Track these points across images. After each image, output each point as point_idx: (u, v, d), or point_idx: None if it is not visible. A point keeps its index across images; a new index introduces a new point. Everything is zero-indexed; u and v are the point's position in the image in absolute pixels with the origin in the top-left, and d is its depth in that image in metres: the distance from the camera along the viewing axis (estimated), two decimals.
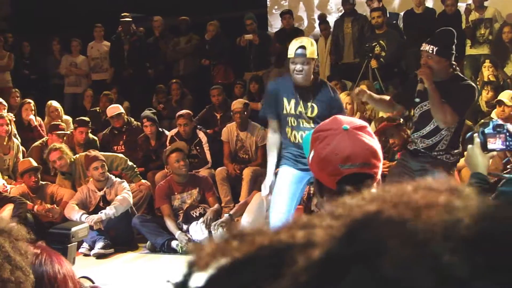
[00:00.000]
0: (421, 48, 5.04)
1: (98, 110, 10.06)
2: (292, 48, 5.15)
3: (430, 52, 4.94)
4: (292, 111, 5.23)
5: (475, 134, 2.81)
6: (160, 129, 8.90)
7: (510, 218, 0.54)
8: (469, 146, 2.76)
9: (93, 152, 7.59)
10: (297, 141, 5.20)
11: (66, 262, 2.01)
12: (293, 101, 5.23)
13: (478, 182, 2.55)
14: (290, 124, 5.24)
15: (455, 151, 5.24)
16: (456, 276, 0.50)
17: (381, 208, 0.57)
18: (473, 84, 5.33)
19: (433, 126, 5.16)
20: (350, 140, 1.96)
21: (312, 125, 5.01)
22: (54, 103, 9.66)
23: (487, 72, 8.61)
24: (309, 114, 5.21)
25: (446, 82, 4.99)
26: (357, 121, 2.07)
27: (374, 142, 2.00)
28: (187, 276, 0.63)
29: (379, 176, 2.02)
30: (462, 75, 5.30)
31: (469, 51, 9.55)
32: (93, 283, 2.39)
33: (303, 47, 5.11)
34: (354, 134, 1.97)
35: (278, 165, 5.38)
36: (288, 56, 5.21)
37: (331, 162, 1.95)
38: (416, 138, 5.28)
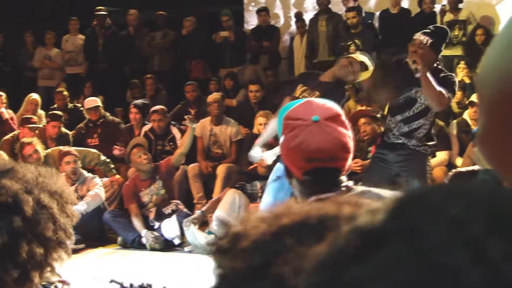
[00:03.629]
0: (415, 37, 5.18)
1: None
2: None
3: (424, 42, 5.07)
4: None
5: None
6: (146, 122, 8.87)
7: None
8: None
9: (67, 147, 7.53)
10: None
11: None
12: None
13: (489, 179, 2.43)
14: None
15: (431, 142, 5.35)
16: (491, 257, 0.51)
17: (426, 191, 0.59)
18: (453, 75, 5.50)
19: (416, 111, 5.29)
20: (319, 134, 1.93)
21: None
22: (35, 96, 9.59)
23: (461, 73, 8.70)
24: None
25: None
26: (330, 108, 2.01)
27: (345, 133, 1.97)
28: (232, 238, 0.65)
29: (346, 168, 2.00)
30: (443, 69, 5.45)
31: (443, 51, 9.58)
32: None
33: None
34: (324, 127, 1.94)
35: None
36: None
37: (297, 154, 1.94)
38: (394, 123, 5.36)
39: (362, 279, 0.52)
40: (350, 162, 2.00)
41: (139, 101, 9.00)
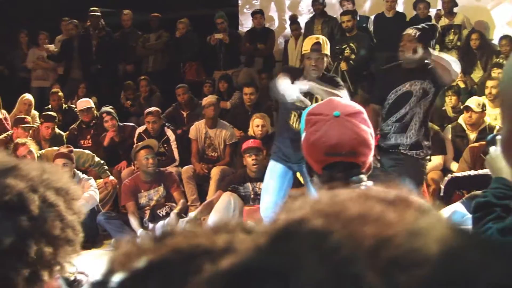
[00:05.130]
0: (404, 32, 5.33)
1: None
2: (308, 44, 5.44)
3: (413, 35, 5.20)
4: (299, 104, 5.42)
5: (498, 136, 2.46)
6: (120, 123, 8.83)
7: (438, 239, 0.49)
8: (492, 148, 2.40)
9: (65, 147, 7.47)
10: (298, 130, 5.33)
11: None
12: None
13: (501, 188, 2.28)
14: (298, 116, 5.36)
15: (426, 142, 5.39)
16: None
17: (307, 217, 0.52)
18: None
19: (408, 108, 5.40)
20: (339, 128, 1.95)
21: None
22: (28, 96, 9.55)
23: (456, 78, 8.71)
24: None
25: (417, 70, 5.36)
26: (352, 106, 2.04)
27: (366, 130, 1.98)
28: (107, 276, 0.59)
29: (368, 164, 2.01)
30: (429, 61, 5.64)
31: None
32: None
33: (318, 43, 5.41)
34: (344, 122, 1.96)
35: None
36: (303, 52, 5.47)
37: (318, 149, 1.95)
38: (389, 125, 5.41)
39: None
40: (370, 160, 2.00)
41: (106, 108, 8.88)
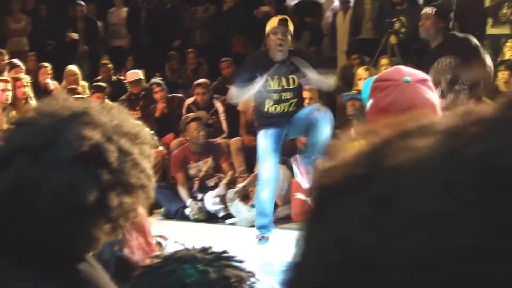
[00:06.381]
0: (421, 12, 5.37)
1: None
2: (274, 21, 5.79)
3: (429, 13, 5.27)
4: (276, 87, 5.75)
5: None
6: (169, 94, 8.92)
7: None
8: None
9: None
10: (276, 112, 5.81)
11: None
12: (276, 78, 5.74)
13: None
14: (273, 99, 5.78)
15: None
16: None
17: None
18: (470, 36, 5.63)
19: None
20: (410, 93, 1.97)
21: (292, 95, 5.81)
22: (73, 67, 9.66)
23: (509, 52, 8.57)
24: (291, 86, 5.79)
25: (449, 41, 5.43)
26: (418, 73, 2.07)
27: (434, 96, 2.01)
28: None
29: None
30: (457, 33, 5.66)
31: (490, 30, 9.47)
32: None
33: (285, 19, 5.78)
34: (415, 87, 1.98)
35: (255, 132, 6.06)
36: (270, 29, 5.76)
37: (390, 113, 1.95)
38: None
39: (484, 153, 0.48)
40: None
41: (155, 79, 9.05)
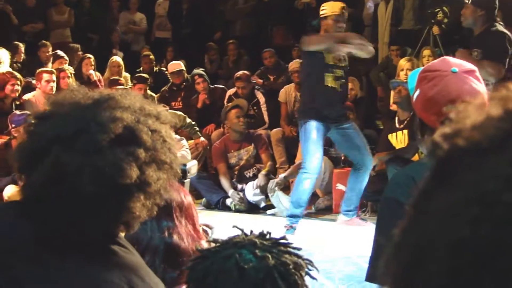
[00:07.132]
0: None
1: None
2: (336, 7, 6.02)
3: (467, 1, 5.33)
4: (332, 62, 5.96)
5: None
6: (211, 86, 8.97)
7: None
8: None
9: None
10: (334, 87, 6.01)
11: (188, 194, 2.14)
12: (331, 55, 5.95)
13: None
14: (333, 74, 5.99)
15: None
16: None
17: None
18: (505, 31, 5.62)
19: None
20: (458, 83, 1.97)
21: (343, 73, 6.06)
22: (117, 58, 9.78)
23: None
24: (341, 64, 6.04)
25: (483, 34, 5.33)
26: (466, 64, 2.06)
27: (481, 87, 2.00)
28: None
29: None
30: (496, 26, 5.65)
31: None
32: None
33: (345, 8, 6.10)
34: (463, 77, 1.98)
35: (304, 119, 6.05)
36: (331, 14, 6.01)
37: (437, 102, 1.96)
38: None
39: None
40: None
41: (197, 70, 9.08)
